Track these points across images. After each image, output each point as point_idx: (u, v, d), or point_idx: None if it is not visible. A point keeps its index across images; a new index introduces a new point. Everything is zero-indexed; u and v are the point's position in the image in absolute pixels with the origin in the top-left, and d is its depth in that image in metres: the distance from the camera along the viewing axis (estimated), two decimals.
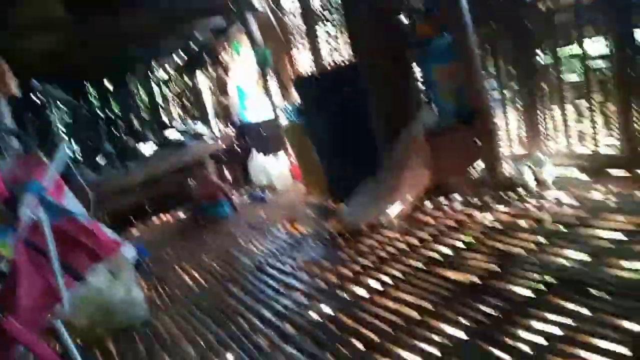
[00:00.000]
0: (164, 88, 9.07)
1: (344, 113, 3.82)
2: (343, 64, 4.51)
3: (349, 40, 4.36)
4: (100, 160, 6.61)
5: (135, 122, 8.64)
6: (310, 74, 5.07)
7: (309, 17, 4.97)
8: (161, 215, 6.08)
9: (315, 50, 4.98)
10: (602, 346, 1.60)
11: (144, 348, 2.55)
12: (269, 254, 3.48)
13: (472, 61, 3.19)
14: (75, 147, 5.28)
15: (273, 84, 5.66)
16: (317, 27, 4.93)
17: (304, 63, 5.35)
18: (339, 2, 4.47)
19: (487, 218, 2.91)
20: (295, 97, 4.99)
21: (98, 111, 8.07)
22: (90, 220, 1.60)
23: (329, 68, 4.79)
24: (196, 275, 3.50)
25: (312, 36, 4.97)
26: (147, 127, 8.45)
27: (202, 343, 2.43)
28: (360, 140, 3.87)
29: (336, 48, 4.72)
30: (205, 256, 3.85)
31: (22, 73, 4.39)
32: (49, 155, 1.58)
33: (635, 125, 2.85)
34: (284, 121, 5.26)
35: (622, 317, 1.69)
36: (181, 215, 5.73)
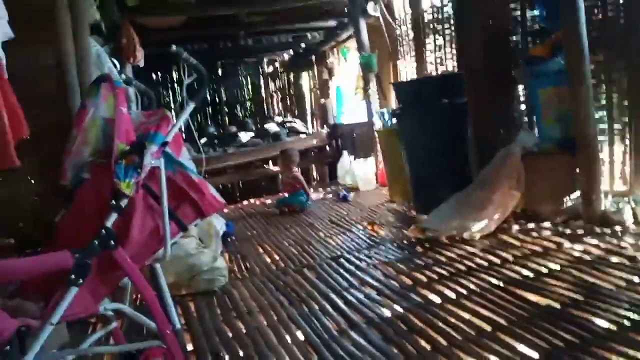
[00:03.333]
0: (269, 82, 9.48)
1: (440, 123, 3.83)
2: (446, 73, 4.51)
3: (455, 53, 4.36)
4: (202, 140, 7.05)
5: (239, 111, 9.10)
6: (411, 79, 5.12)
7: (419, 27, 5.02)
8: (250, 199, 6.37)
9: (420, 60, 5.02)
10: None
11: (220, 312, 2.72)
12: (347, 249, 3.56)
13: (583, 88, 3.09)
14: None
15: (373, 89, 5.76)
16: (425, 37, 4.96)
17: (408, 72, 5.40)
18: (452, 14, 4.48)
19: (576, 249, 2.81)
20: (393, 104, 5.06)
21: (207, 95, 8.62)
22: (199, 177, 1.77)
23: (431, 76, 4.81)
24: (276, 256, 3.66)
25: (419, 46, 5.01)
26: (249, 117, 8.88)
27: (274, 316, 2.55)
28: (453, 153, 3.86)
29: (442, 60, 4.73)
30: (286, 242, 4.01)
31: (146, 47, 4.84)
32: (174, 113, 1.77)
33: None
34: (378, 126, 5.34)
35: None
36: (268, 201, 5.97)
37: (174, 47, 1.74)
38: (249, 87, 9.32)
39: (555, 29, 3.43)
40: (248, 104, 9.33)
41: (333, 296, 2.70)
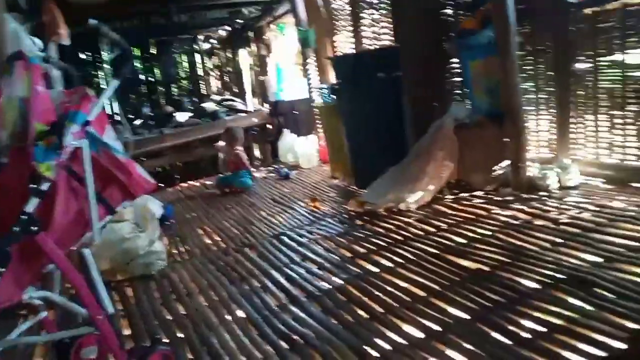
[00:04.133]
0: (205, 59, 9.23)
1: (377, 97, 3.87)
2: (383, 48, 4.54)
3: (391, 27, 4.39)
4: (137, 121, 6.81)
5: (175, 90, 8.84)
6: (348, 54, 5.13)
7: (354, 1, 5.01)
8: (189, 181, 6.25)
9: (357, 34, 5.03)
10: (597, 339, 1.65)
11: (159, 295, 2.68)
12: (288, 226, 3.57)
13: (510, 59, 3.20)
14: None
15: (312, 64, 5.73)
16: (361, 11, 4.96)
17: (345, 46, 5.40)
18: None
19: (504, 214, 2.95)
20: (332, 79, 5.06)
21: (140, 74, 8.30)
22: (127, 157, 1.71)
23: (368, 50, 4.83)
24: (216, 237, 3.62)
25: (355, 20, 5.02)
26: (186, 96, 8.64)
27: (215, 297, 2.53)
28: (390, 127, 3.92)
29: (378, 34, 4.76)
30: (227, 222, 3.98)
31: (72, 25, 4.59)
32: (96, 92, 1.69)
33: None
34: (318, 102, 5.34)
35: (622, 316, 1.73)
36: (208, 182, 5.88)
37: (91, 21, 1.65)
38: (185, 65, 9.05)
39: (484, 2, 3.52)
40: (184, 82, 9.06)
41: (274, 273, 2.72)
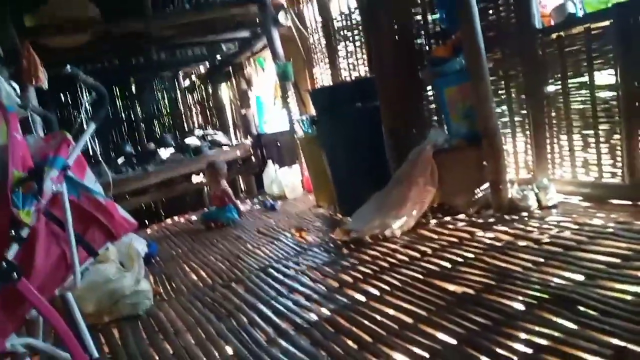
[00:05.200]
0: (187, 95, 9.30)
1: (355, 127, 3.94)
2: (359, 79, 4.64)
3: (366, 58, 4.50)
4: (119, 160, 6.80)
5: (157, 127, 8.86)
6: (326, 86, 5.22)
7: (330, 34, 5.13)
8: (174, 217, 6.21)
9: (334, 66, 5.13)
10: (584, 357, 1.66)
11: (146, 335, 2.64)
12: (275, 258, 3.56)
13: (483, 84, 3.29)
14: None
15: (292, 97, 5.81)
16: (337, 44, 5.08)
17: (323, 78, 5.50)
18: (360, 21, 4.63)
19: (487, 237, 2.98)
20: (312, 111, 5.13)
21: (121, 113, 8.32)
22: (107, 199, 1.71)
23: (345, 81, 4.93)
24: (202, 273, 3.59)
25: (332, 53, 5.13)
26: (168, 133, 8.66)
27: (202, 334, 2.51)
28: (371, 155, 3.97)
29: (354, 65, 4.86)
30: (213, 257, 3.95)
31: (51, 68, 4.62)
32: (74, 136, 1.71)
33: (639, 156, 2.92)
34: (299, 133, 5.40)
35: (607, 333, 1.75)
36: (193, 218, 5.86)
37: (68, 68, 1.68)
38: (166, 101, 9.11)
39: (455, 31, 3.63)
40: (166, 119, 9.11)
41: (261, 307, 2.70)
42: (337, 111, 4.01)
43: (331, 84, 5.27)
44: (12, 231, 1.48)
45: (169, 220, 6.08)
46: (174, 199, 6.96)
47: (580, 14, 3.34)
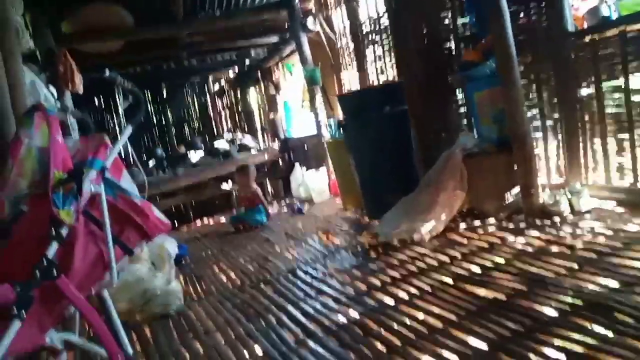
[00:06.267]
0: (216, 100, 9.44)
1: (384, 131, 3.93)
2: (387, 83, 4.63)
3: (395, 62, 4.49)
4: (150, 162, 6.93)
5: (187, 131, 9.02)
6: (354, 90, 5.23)
7: (358, 39, 5.15)
8: (204, 219, 6.30)
9: (362, 71, 5.14)
10: None
11: (177, 335, 2.69)
12: (303, 261, 3.58)
13: (514, 89, 3.24)
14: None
15: (320, 101, 5.84)
16: (365, 48, 5.09)
17: (351, 82, 5.52)
18: (388, 25, 4.63)
19: (519, 242, 2.94)
20: (340, 115, 5.15)
21: (153, 117, 8.50)
22: (142, 200, 1.76)
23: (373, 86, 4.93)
24: (232, 274, 3.64)
25: (360, 57, 5.14)
26: (198, 136, 8.81)
27: (232, 334, 2.54)
28: (398, 159, 3.96)
29: (383, 69, 4.86)
30: (242, 259, 4.00)
31: (85, 73, 4.76)
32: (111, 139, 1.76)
33: None
34: (327, 137, 5.42)
35: None
36: (222, 220, 5.93)
37: (107, 72, 1.73)
38: (196, 106, 9.26)
39: (485, 34, 3.60)
40: (196, 123, 9.26)
41: (290, 308, 2.71)
42: (364, 115, 4.01)
43: (359, 88, 5.27)
44: (53, 230, 1.53)
45: (198, 222, 6.17)
46: (203, 201, 7.07)
47: (615, 16, 3.27)
